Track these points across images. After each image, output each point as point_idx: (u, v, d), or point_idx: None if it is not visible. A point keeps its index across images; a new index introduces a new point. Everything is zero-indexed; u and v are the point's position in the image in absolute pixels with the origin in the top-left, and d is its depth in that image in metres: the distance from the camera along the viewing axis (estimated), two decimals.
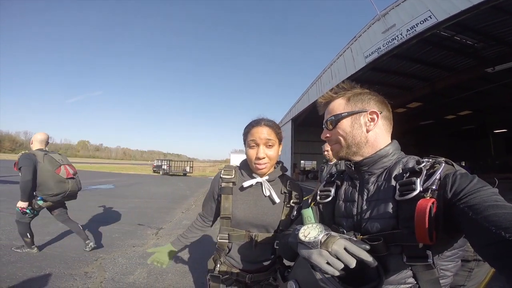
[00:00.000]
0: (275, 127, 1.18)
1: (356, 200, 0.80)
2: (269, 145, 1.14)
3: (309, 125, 20.88)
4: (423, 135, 26.35)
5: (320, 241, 0.63)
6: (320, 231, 0.65)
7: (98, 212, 6.55)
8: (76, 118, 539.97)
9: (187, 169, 29.18)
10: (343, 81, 0.87)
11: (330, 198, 0.88)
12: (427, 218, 0.57)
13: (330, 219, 0.87)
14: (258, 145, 1.13)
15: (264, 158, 1.13)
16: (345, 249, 0.62)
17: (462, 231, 0.59)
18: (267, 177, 1.20)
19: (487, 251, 0.50)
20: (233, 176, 1.23)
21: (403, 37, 7.38)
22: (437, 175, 0.66)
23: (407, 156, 0.80)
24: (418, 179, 0.66)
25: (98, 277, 2.94)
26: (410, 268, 0.65)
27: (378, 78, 12.17)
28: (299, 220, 0.95)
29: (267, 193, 1.17)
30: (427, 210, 0.58)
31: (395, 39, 7.81)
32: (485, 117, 19.65)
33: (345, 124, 0.81)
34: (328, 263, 0.60)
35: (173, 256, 1.38)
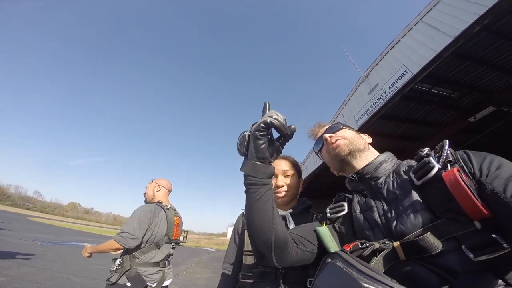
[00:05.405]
0: (292, 160, 1.30)
1: (374, 205, 0.74)
2: (287, 175, 1.24)
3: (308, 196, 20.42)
4: None
5: None
6: None
7: (75, 267, 5.80)
8: (73, 181, 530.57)
9: (180, 238, 26.95)
10: None
11: (345, 212, 0.82)
12: (464, 185, 0.50)
13: (352, 236, 0.77)
14: (276, 176, 1.22)
15: (283, 186, 1.21)
16: None
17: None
18: (290, 211, 1.23)
19: None
20: None
21: (387, 95, 8.11)
22: (447, 150, 0.63)
23: (405, 160, 0.82)
24: (431, 157, 0.63)
25: None
26: (485, 264, 0.49)
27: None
28: (313, 237, 0.82)
29: (291, 226, 1.15)
30: (458, 177, 0.51)
31: (381, 98, 8.54)
32: None
33: (349, 132, 0.90)
34: None
35: None
